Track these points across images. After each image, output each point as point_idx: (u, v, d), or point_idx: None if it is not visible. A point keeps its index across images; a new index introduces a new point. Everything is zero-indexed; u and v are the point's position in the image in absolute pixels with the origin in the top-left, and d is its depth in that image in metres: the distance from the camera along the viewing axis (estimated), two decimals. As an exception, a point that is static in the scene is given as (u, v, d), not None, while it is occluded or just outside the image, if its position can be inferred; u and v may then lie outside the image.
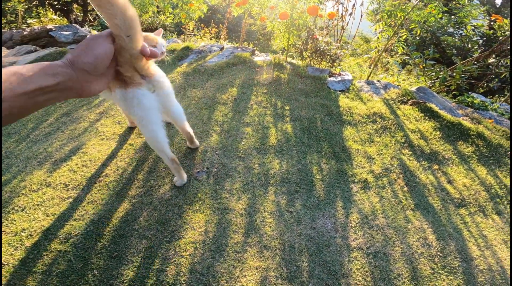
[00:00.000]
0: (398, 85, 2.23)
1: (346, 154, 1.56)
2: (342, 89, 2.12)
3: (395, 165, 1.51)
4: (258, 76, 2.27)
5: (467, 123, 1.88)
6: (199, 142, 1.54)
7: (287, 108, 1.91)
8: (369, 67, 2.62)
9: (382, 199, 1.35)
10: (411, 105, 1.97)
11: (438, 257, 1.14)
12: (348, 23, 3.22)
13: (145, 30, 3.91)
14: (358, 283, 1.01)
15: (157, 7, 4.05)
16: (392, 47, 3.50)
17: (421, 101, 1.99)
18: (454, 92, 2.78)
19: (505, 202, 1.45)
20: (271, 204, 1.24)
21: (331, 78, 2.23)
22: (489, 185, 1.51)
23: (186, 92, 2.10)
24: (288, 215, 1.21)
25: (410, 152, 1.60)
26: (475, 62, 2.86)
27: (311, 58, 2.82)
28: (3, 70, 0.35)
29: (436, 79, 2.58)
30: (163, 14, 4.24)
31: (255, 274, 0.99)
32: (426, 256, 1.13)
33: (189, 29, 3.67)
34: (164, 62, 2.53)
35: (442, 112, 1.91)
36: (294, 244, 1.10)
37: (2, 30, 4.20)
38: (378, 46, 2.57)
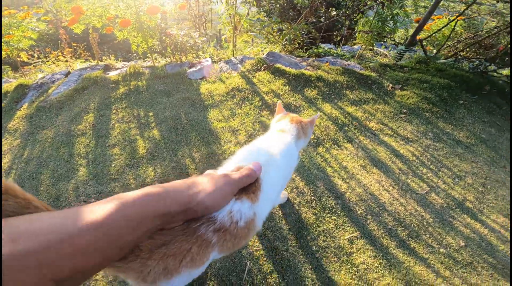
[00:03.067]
0: (253, 56, 2.43)
1: (213, 136, 1.62)
2: (204, 76, 2.16)
3: (257, 129, 1.66)
4: (114, 93, 2.09)
5: (308, 71, 2.21)
6: (64, 182, 1.40)
7: (150, 114, 1.83)
8: (234, 45, 2.75)
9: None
10: (263, 70, 2.18)
11: (314, 201, 1.30)
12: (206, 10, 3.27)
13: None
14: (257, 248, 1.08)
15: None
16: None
17: (271, 64, 2.22)
18: (306, 47, 3.22)
19: (352, 128, 1.78)
20: None
21: (192, 69, 2.25)
22: (335, 117, 1.84)
23: (36, 137, 1.78)
24: None
25: (268, 112, 1.79)
26: (314, 20, 3.36)
27: (173, 55, 2.76)
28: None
29: (286, 41, 2.92)
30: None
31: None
32: (304, 203, 1.29)
33: (22, 60, 3.05)
34: (-9, 113, 2.05)
35: (288, 69, 2.18)
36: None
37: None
38: (229, 24, 2.71)
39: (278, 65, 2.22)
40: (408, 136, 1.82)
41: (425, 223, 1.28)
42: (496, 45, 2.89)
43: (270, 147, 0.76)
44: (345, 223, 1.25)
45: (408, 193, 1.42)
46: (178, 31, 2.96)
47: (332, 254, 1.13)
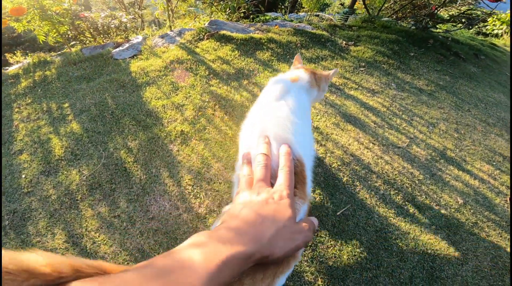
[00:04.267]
0: (192, 28, 2.08)
1: (152, 117, 1.28)
2: (134, 54, 1.77)
3: (207, 100, 1.36)
4: (15, 89, 1.58)
5: (257, 35, 1.96)
6: None
7: (65, 105, 1.40)
8: (170, 20, 2.35)
9: (208, 142, 1.18)
10: (207, 39, 1.87)
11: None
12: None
13: None
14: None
15: None
16: None
17: (214, 32, 1.91)
18: (252, 15, 2.97)
19: None
20: (93, 220, 0.95)
21: (118, 49, 1.83)
22: None
23: None
24: (117, 221, 0.94)
25: (218, 80, 1.50)
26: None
27: (95, 39, 2.26)
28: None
29: (229, 10, 2.62)
30: None
31: None
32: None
33: None
34: None
35: (235, 34, 1.91)
36: (143, 248, 0.88)
37: None
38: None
39: (223, 31, 1.93)
40: (373, 87, 1.71)
41: (417, 182, 1.17)
42: (429, 5, 3.00)
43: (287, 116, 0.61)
44: (332, 195, 1.05)
45: (390, 148, 1.29)
46: (99, 13, 2.45)
47: (327, 238, 0.93)
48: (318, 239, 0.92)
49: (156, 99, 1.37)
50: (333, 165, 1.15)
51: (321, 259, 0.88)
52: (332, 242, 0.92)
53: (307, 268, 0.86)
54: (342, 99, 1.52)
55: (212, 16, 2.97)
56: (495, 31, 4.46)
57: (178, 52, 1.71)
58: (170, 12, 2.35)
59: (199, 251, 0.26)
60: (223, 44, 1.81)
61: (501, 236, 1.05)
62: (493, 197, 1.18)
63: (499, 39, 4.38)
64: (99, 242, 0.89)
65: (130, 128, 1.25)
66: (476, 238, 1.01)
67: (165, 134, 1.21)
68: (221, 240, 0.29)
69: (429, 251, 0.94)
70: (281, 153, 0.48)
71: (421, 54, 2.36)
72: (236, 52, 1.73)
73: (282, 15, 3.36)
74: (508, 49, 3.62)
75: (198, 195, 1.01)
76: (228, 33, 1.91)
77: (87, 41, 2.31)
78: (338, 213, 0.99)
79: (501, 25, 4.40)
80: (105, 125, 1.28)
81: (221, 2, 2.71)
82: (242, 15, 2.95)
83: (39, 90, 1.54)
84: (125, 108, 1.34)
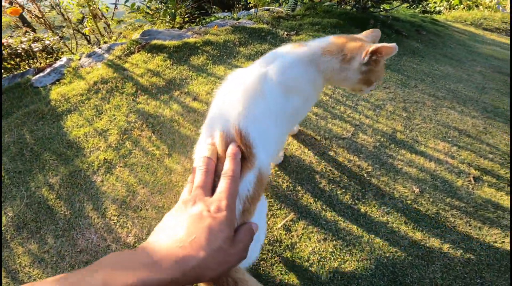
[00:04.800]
0: (123, 42, 1.95)
1: (74, 149, 1.18)
2: (57, 79, 1.62)
3: (134, 120, 1.27)
4: None
5: (193, 39, 1.87)
6: None
7: (-23, 149, 1.26)
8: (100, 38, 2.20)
9: (134, 167, 1.10)
10: (138, 51, 1.75)
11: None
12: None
13: None
14: None
15: None
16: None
17: (145, 43, 1.80)
18: (198, 19, 2.85)
19: None
20: (25, 257, 0.93)
21: (38, 75, 1.67)
22: None
23: None
24: (48, 256, 0.92)
25: (146, 96, 1.40)
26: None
27: (20, 65, 2.07)
28: None
29: (169, 17, 2.50)
30: None
31: None
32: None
33: None
34: None
35: (168, 42, 1.80)
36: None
37: None
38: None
39: (154, 41, 1.81)
40: (314, 76, 1.67)
41: (365, 175, 1.09)
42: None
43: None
44: (271, 206, 0.99)
45: (334, 141, 1.23)
46: (20, 37, 2.24)
47: (270, 254, 0.87)
48: (261, 256, 0.87)
49: (77, 128, 1.26)
50: (271, 172, 1.10)
51: (268, 279, 0.83)
52: (276, 259, 0.87)
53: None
54: (280, 95, 1.47)
55: (156, 26, 2.82)
56: (437, 9, 4.64)
57: (104, 70, 1.59)
58: (98, 29, 2.20)
59: (101, 276, 0.26)
60: (154, 55, 1.71)
61: (469, 225, 0.97)
62: (453, 179, 1.11)
63: (441, 15, 4.54)
64: (34, 276, 0.86)
65: (50, 164, 1.14)
66: (440, 232, 0.94)
67: (87, 165, 1.11)
68: (133, 264, 0.28)
69: (388, 255, 0.87)
70: (227, 155, 0.45)
71: (363, 35, 2.36)
72: (168, 61, 1.64)
73: (231, 14, 3.27)
74: (450, 23, 3.75)
75: (124, 225, 0.94)
76: (160, 42, 1.81)
77: (13, 69, 2.12)
78: (279, 226, 0.94)
79: (441, 2, 4.58)
80: (25, 164, 1.16)
81: (158, 10, 2.57)
82: (186, 19, 2.82)
83: None
84: (44, 143, 1.22)
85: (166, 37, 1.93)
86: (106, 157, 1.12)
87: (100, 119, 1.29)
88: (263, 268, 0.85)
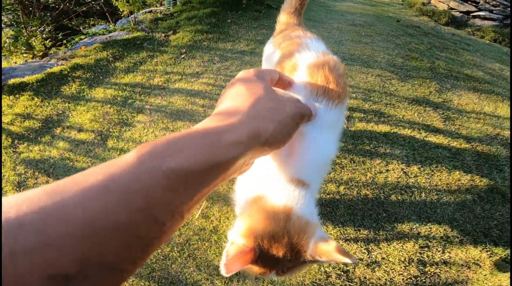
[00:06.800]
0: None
1: None
2: None
3: (23, 171, 1.16)
4: None
5: (58, 67, 1.73)
6: None
7: None
8: None
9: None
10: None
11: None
12: None
13: None
14: None
15: None
16: None
17: (3, 85, 1.58)
18: (65, 40, 2.57)
19: (137, 96, 1.52)
20: None
21: None
22: (112, 98, 1.52)
23: None
24: None
25: (26, 143, 1.27)
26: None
27: None
28: None
29: (24, 48, 2.19)
30: None
31: None
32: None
33: None
34: None
35: (28, 78, 1.63)
36: None
37: None
38: None
39: (12, 80, 1.61)
40: (197, 70, 1.78)
41: None
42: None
43: None
44: None
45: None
46: None
47: (200, 242, 0.94)
48: (193, 246, 0.96)
49: None
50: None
51: (207, 263, 0.89)
52: (207, 244, 0.94)
53: None
54: (167, 98, 1.54)
55: (14, 59, 2.43)
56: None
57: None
58: None
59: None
60: (17, 96, 1.53)
61: (353, 162, 1.09)
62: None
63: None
64: None
65: None
66: (333, 177, 1.10)
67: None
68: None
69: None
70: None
71: (238, 18, 2.55)
72: (36, 99, 1.49)
73: (108, 26, 3.02)
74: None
75: None
76: (18, 80, 1.61)
77: None
78: (197, 216, 1.01)
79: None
80: None
81: (8, 41, 2.22)
82: (49, 44, 2.52)
83: None
84: None
85: (25, 72, 1.72)
86: None
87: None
88: (200, 255, 0.92)
